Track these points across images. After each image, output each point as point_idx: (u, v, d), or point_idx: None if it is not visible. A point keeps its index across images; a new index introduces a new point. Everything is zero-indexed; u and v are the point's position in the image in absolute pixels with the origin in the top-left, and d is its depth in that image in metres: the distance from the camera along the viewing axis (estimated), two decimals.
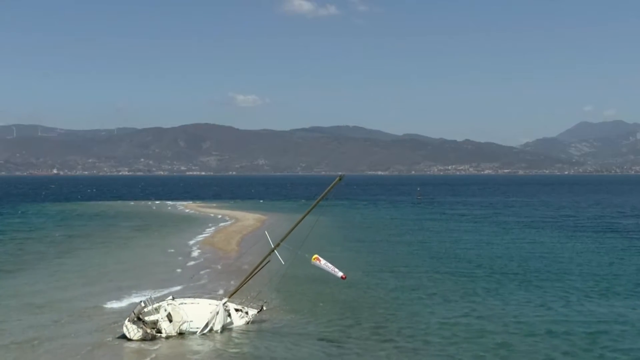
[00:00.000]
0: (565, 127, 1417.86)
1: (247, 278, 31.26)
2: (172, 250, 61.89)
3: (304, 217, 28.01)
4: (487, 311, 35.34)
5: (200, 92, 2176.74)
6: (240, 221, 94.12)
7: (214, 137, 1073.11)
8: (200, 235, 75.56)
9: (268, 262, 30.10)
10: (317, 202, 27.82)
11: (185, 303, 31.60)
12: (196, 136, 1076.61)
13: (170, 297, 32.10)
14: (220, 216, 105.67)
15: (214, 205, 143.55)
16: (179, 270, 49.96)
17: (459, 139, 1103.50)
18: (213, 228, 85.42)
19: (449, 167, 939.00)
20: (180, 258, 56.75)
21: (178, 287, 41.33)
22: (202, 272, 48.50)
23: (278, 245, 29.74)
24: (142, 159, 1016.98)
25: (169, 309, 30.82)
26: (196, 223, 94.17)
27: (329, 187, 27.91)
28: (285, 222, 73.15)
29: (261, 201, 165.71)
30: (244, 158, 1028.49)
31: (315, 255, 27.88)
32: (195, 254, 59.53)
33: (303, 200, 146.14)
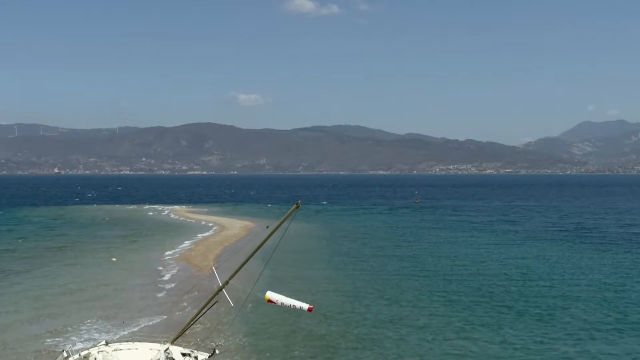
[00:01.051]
0: (568, 126, 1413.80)
1: (191, 321, 26.62)
2: (143, 269, 56.93)
3: (255, 251, 23.48)
4: (481, 353, 30.49)
5: (202, 92, 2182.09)
6: (226, 229, 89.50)
7: (216, 137, 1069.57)
8: (180, 247, 70.89)
9: (216, 302, 25.54)
10: (269, 235, 23.31)
11: (121, 349, 26.65)
12: (198, 135, 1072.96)
13: (103, 342, 27.20)
14: (211, 224, 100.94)
15: (205, 210, 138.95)
16: (142, 299, 44.21)
17: (461, 138, 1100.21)
18: (197, 237, 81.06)
19: (451, 167, 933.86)
20: (148, 280, 51.49)
21: (136, 327, 35.99)
22: (163, 300, 43.52)
23: (226, 283, 25.10)
24: (143, 158, 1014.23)
25: (100, 357, 25.93)
26: (180, 232, 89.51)
27: (285, 216, 23.46)
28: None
29: (259, 205, 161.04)
30: (246, 157, 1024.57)
31: (267, 296, 23.05)
32: (166, 275, 53.52)
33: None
